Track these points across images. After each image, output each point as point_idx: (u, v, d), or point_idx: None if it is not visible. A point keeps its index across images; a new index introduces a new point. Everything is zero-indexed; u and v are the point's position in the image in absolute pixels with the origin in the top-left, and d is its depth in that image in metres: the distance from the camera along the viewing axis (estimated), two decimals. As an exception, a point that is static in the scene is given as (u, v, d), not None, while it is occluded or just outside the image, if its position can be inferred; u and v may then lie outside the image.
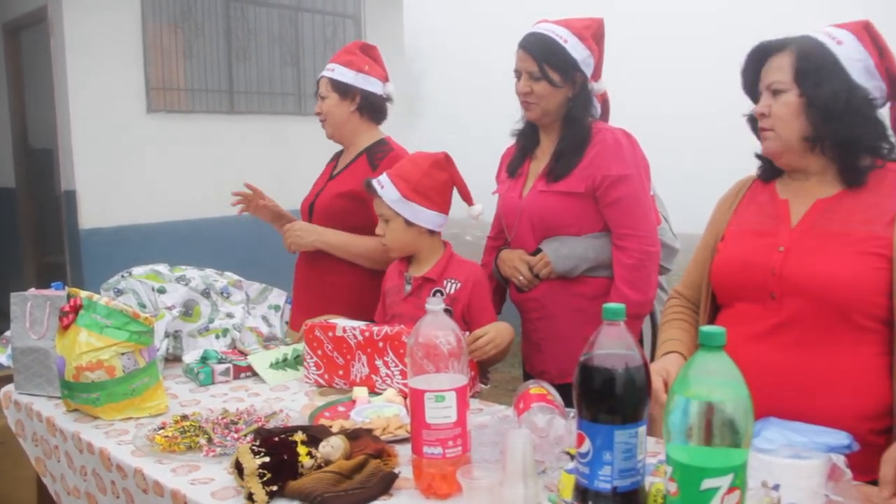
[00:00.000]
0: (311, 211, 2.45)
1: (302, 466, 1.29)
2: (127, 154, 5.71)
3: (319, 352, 1.94)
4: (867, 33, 1.42)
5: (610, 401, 1.03)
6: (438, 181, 1.99)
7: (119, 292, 2.22)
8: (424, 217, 1.97)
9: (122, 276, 2.27)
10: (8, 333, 2.06)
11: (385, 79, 2.44)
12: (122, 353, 1.72)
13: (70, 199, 5.62)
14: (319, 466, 1.31)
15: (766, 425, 1.27)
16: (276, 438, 1.34)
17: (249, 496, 1.24)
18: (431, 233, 2.01)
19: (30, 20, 6.04)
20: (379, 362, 1.84)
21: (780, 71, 1.42)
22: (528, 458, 1.10)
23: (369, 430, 1.45)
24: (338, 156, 2.58)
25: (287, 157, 6.20)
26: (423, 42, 15.17)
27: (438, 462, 1.23)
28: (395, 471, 1.31)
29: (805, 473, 1.13)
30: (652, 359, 2.28)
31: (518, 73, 2.01)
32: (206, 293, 2.30)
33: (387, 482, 1.27)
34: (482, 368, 1.97)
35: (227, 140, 6.30)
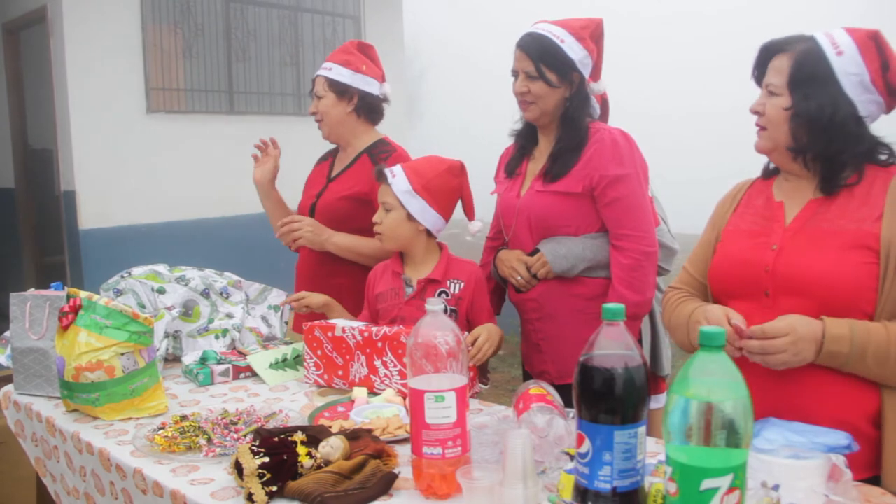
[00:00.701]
0: (312, 212, 2.43)
1: (301, 467, 1.29)
2: (126, 154, 5.72)
3: (319, 352, 1.94)
4: (873, 44, 1.42)
5: (609, 401, 1.03)
6: (449, 186, 2.01)
7: (119, 293, 2.22)
8: (428, 216, 1.98)
9: (122, 277, 2.27)
10: (7, 334, 2.06)
11: (382, 79, 2.43)
12: (122, 354, 1.72)
13: (69, 200, 5.63)
14: (319, 467, 1.31)
15: (765, 425, 1.27)
16: (276, 439, 1.34)
17: (249, 496, 1.24)
18: (428, 234, 2.01)
19: (29, 20, 6.04)
20: (378, 362, 1.84)
21: (778, 73, 1.45)
22: (527, 459, 1.10)
23: (369, 431, 1.45)
24: (332, 155, 2.56)
25: (286, 158, 6.17)
26: (422, 42, 15.18)
27: (438, 462, 1.23)
28: (395, 471, 1.31)
29: (805, 473, 1.13)
30: (651, 359, 2.30)
31: (515, 73, 2.01)
32: (205, 293, 2.30)
33: (386, 482, 1.27)
34: (481, 368, 1.97)
35: (227, 140, 6.29)
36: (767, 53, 1.49)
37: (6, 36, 6.49)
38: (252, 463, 1.26)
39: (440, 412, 1.22)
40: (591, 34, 2.00)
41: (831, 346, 1.32)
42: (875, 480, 1.32)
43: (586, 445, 1.05)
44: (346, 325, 1.92)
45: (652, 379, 2.31)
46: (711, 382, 0.92)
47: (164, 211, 5.89)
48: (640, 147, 2.02)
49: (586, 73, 1.99)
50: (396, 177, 1.97)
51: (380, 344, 1.83)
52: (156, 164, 5.86)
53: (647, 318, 2.19)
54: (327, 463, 1.31)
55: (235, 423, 1.61)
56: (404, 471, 1.32)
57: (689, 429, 0.91)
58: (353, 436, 1.39)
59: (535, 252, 2.00)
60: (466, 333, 1.88)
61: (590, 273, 1.98)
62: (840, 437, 1.22)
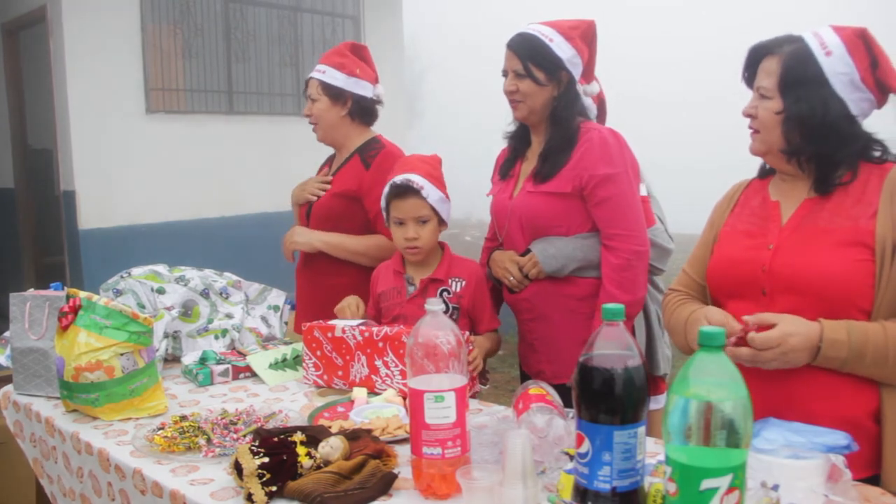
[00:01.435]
0: (308, 215, 2.44)
1: (301, 467, 1.29)
2: (126, 154, 5.71)
3: (318, 352, 1.94)
4: (861, 42, 1.43)
5: (609, 401, 1.03)
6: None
7: (118, 293, 2.22)
8: (448, 217, 2.03)
9: (122, 277, 2.27)
10: (7, 334, 2.06)
11: (375, 80, 2.44)
12: (122, 354, 1.72)
13: (69, 200, 5.62)
14: (319, 467, 1.31)
15: (765, 425, 1.27)
16: (276, 439, 1.34)
17: (249, 496, 1.24)
18: None
19: (29, 20, 6.04)
20: (378, 362, 1.84)
21: (768, 76, 1.46)
22: (527, 459, 1.10)
23: (368, 431, 1.45)
24: (331, 159, 2.58)
25: (286, 158, 6.20)
26: (422, 42, 15.19)
27: (438, 462, 1.23)
28: (395, 471, 1.31)
29: (804, 474, 1.13)
30: (648, 359, 2.30)
31: (505, 73, 2.02)
32: (205, 294, 2.30)
33: (386, 482, 1.27)
34: (482, 368, 1.98)
35: (227, 141, 6.30)
36: (756, 55, 1.49)
37: (6, 36, 6.49)
38: (252, 463, 1.26)
39: (440, 412, 1.22)
40: (582, 34, 2.00)
41: (829, 352, 1.32)
42: (876, 479, 1.32)
43: (586, 445, 1.05)
44: (345, 325, 1.92)
45: (649, 379, 2.31)
46: (711, 382, 0.92)
47: (164, 211, 5.89)
48: (639, 137, 2.02)
49: (576, 72, 2.00)
50: (426, 188, 1.94)
51: (381, 344, 1.83)
52: (155, 164, 5.86)
53: (643, 318, 2.19)
54: (327, 463, 1.31)
55: (235, 424, 1.61)
56: (404, 471, 1.32)
57: (689, 429, 0.91)
58: (353, 436, 1.39)
59: (526, 252, 2.01)
60: (468, 333, 1.88)
61: (581, 273, 1.98)
62: (839, 437, 1.22)
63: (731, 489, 0.91)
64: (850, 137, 1.43)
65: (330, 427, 1.50)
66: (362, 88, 2.39)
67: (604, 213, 1.94)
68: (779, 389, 1.40)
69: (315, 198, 2.41)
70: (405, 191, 1.95)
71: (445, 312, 1.97)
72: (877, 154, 1.45)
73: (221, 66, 6.38)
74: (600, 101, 2.17)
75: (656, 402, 2.23)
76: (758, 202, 1.57)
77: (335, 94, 2.37)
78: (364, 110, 2.43)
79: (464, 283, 1.99)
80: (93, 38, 5.56)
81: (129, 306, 1.81)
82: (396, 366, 1.81)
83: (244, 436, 1.52)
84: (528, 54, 1.96)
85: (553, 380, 1.94)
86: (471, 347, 1.85)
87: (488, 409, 1.70)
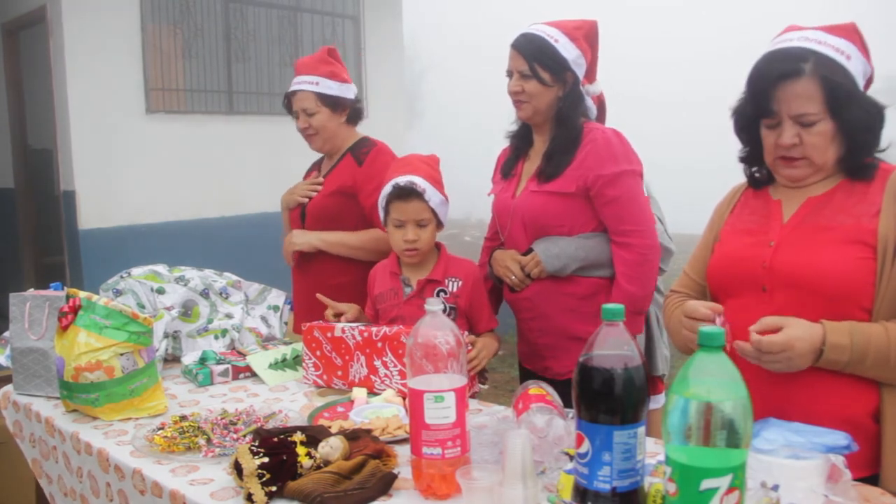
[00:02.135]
0: (303, 216, 2.45)
1: (301, 467, 1.29)
2: (126, 155, 5.71)
3: (318, 353, 1.93)
4: (858, 37, 1.44)
5: (609, 401, 1.03)
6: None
7: (118, 293, 2.22)
8: (446, 219, 2.03)
9: (121, 277, 2.27)
10: (7, 334, 2.06)
11: (351, 80, 2.47)
12: (122, 354, 1.72)
13: (69, 200, 5.62)
14: (318, 467, 1.31)
15: (765, 426, 1.27)
16: (276, 439, 1.34)
17: (248, 497, 1.24)
18: None
19: (29, 21, 6.04)
20: (378, 363, 1.84)
21: (809, 102, 1.39)
22: (527, 459, 1.10)
23: (368, 431, 1.45)
24: (318, 164, 2.59)
25: (286, 158, 6.19)
26: (422, 42, 15.20)
27: (437, 462, 1.23)
28: (395, 471, 1.31)
29: (804, 474, 1.13)
30: (647, 359, 2.30)
31: (510, 73, 2.02)
32: (205, 294, 2.30)
33: (386, 483, 1.27)
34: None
35: (227, 141, 6.29)
36: (768, 83, 1.42)
37: (6, 36, 6.49)
38: (251, 463, 1.26)
39: (439, 412, 1.22)
40: (585, 35, 2.01)
41: (831, 355, 1.32)
42: (875, 479, 1.32)
43: (586, 445, 1.05)
44: (345, 325, 1.92)
45: (648, 379, 2.31)
46: (711, 382, 0.92)
47: (164, 211, 5.88)
48: (637, 135, 2.03)
49: (580, 72, 2.01)
50: (427, 191, 1.94)
51: (380, 344, 1.83)
52: (155, 164, 5.86)
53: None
54: (327, 463, 1.31)
55: (235, 424, 1.61)
56: (404, 471, 1.32)
57: (689, 429, 0.91)
58: (353, 436, 1.39)
59: (528, 252, 2.01)
60: (466, 333, 1.88)
61: (583, 273, 1.98)
62: (839, 438, 1.22)
63: (730, 489, 0.91)
64: (882, 125, 1.43)
65: (330, 427, 1.50)
66: (351, 92, 2.43)
67: (613, 211, 1.95)
68: (779, 389, 1.40)
69: (306, 200, 2.41)
70: (408, 193, 1.93)
71: (443, 313, 1.97)
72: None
73: (221, 67, 6.38)
74: (600, 101, 2.17)
75: (655, 402, 2.23)
76: (759, 202, 1.56)
77: (334, 104, 2.39)
78: (357, 113, 2.48)
79: (460, 283, 1.99)
80: (93, 38, 5.55)
81: (128, 306, 1.81)
82: (395, 366, 1.81)
83: (244, 436, 1.52)
84: (534, 55, 1.96)
85: (559, 376, 1.95)
86: (470, 348, 1.85)
87: (488, 409, 1.70)
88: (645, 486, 1.08)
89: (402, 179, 1.94)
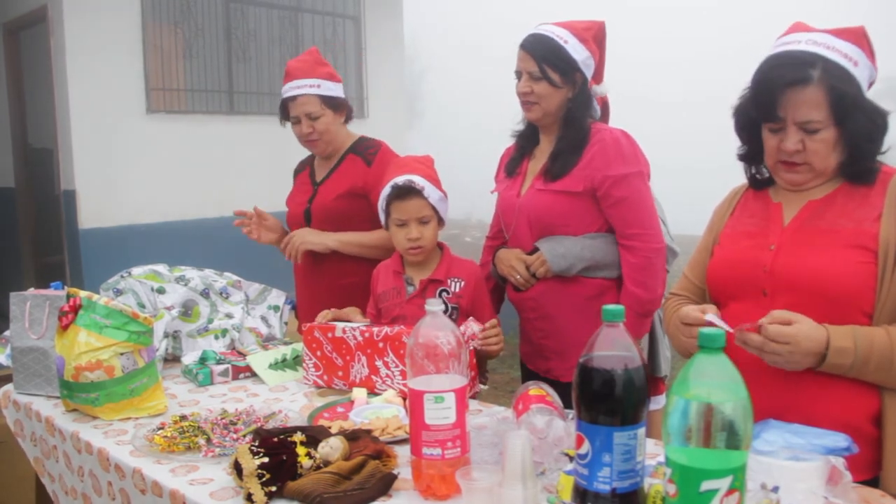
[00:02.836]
0: (307, 218, 2.41)
1: (301, 467, 1.29)
2: (126, 154, 5.72)
3: (319, 353, 1.93)
4: (866, 42, 1.43)
5: (609, 402, 1.03)
6: None
7: (118, 292, 2.22)
8: (446, 216, 2.04)
9: (122, 276, 2.27)
10: (7, 333, 2.06)
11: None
12: (122, 353, 1.72)
13: (69, 199, 5.63)
14: (318, 467, 1.31)
15: (765, 427, 1.27)
16: (276, 439, 1.34)
17: (248, 496, 1.24)
18: None
19: (30, 20, 6.04)
20: (379, 363, 1.84)
21: (815, 109, 1.38)
22: (527, 460, 1.10)
23: (368, 431, 1.45)
24: (307, 164, 2.56)
25: (287, 159, 6.18)
26: (422, 42, 15.20)
27: (437, 463, 1.23)
28: (394, 472, 1.31)
29: (804, 475, 1.13)
30: (648, 360, 2.30)
31: (519, 74, 2.01)
32: (205, 293, 2.30)
33: (386, 483, 1.27)
34: (481, 368, 1.98)
35: (227, 141, 6.30)
36: (774, 89, 1.41)
37: (6, 36, 6.49)
38: (251, 463, 1.26)
39: (439, 413, 1.22)
40: (594, 36, 2.01)
41: (834, 359, 1.31)
42: (876, 482, 1.32)
43: (586, 446, 1.05)
44: (346, 325, 1.92)
45: (650, 380, 2.31)
46: (711, 384, 0.92)
47: (164, 211, 5.89)
48: (638, 135, 2.02)
49: (589, 73, 2.00)
50: (426, 188, 1.96)
51: (381, 344, 1.83)
52: (156, 164, 5.86)
53: None
54: (327, 463, 1.31)
55: (235, 424, 1.61)
56: (404, 471, 1.32)
57: (689, 430, 0.91)
58: (353, 436, 1.39)
59: (534, 251, 2.01)
60: (470, 320, 1.88)
61: (588, 273, 1.98)
62: (839, 439, 1.22)
63: (730, 491, 0.91)
64: (885, 132, 1.42)
65: (330, 427, 1.50)
66: (343, 90, 2.42)
67: (620, 213, 1.95)
68: (779, 392, 1.39)
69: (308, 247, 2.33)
70: (407, 192, 1.95)
71: (444, 313, 1.97)
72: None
73: (222, 66, 6.38)
74: (603, 102, 2.17)
75: (656, 403, 2.23)
76: (759, 204, 1.56)
77: (335, 105, 2.38)
78: (350, 111, 2.46)
79: (463, 283, 2.00)
80: (93, 37, 5.56)
81: (129, 306, 1.81)
82: (397, 366, 1.81)
83: (244, 436, 1.52)
84: (544, 56, 1.95)
85: (562, 378, 1.95)
86: (478, 335, 1.85)
87: (488, 410, 1.69)
88: (645, 487, 1.08)
89: (401, 179, 1.96)
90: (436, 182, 2.00)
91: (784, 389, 1.39)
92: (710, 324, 1.34)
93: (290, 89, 2.35)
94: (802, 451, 1.18)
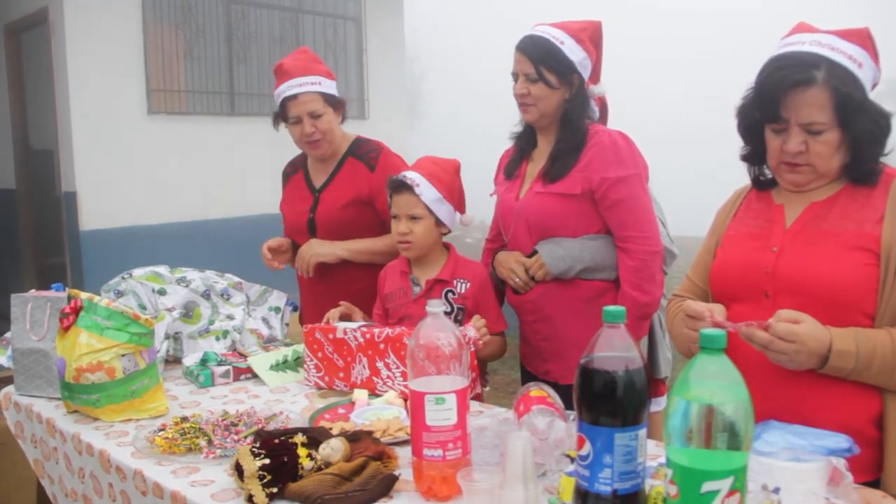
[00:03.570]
0: (312, 227, 2.36)
1: (302, 468, 1.29)
2: (127, 155, 5.72)
3: (320, 354, 1.93)
4: (871, 44, 1.43)
5: (610, 403, 1.03)
6: (459, 187, 2.06)
7: (119, 294, 2.22)
8: (452, 220, 2.03)
9: (123, 278, 2.27)
10: (8, 335, 2.06)
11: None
12: (123, 355, 1.72)
13: (70, 201, 5.63)
14: (319, 468, 1.31)
15: (766, 428, 1.27)
16: (277, 440, 1.34)
17: (249, 498, 1.24)
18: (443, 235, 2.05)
19: (31, 21, 6.05)
20: (380, 364, 1.84)
21: (819, 111, 1.38)
22: (528, 461, 1.10)
23: (369, 433, 1.45)
24: (299, 167, 2.48)
25: (287, 159, 6.20)
26: (423, 43, 15.21)
27: (438, 464, 1.23)
28: (395, 473, 1.31)
29: (805, 476, 1.13)
30: (648, 361, 2.30)
31: (515, 76, 2.01)
32: (206, 295, 2.30)
33: (387, 484, 1.27)
34: (481, 371, 1.98)
35: (228, 142, 6.30)
36: (778, 90, 1.40)
37: (8, 37, 6.50)
38: (252, 464, 1.26)
39: (440, 414, 1.22)
40: (590, 36, 2.00)
41: (837, 362, 1.31)
42: (877, 484, 1.32)
43: (587, 448, 1.05)
44: (347, 327, 1.92)
45: (650, 382, 2.31)
46: (712, 385, 0.92)
47: (165, 212, 5.89)
48: (637, 136, 2.02)
49: (585, 74, 2.00)
50: (421, 186, 1.96)
51: (382, 345, 1.83)
52: (157, 165, 5.86)
53: None
54: (328, 464, 1.31)
55: (236, 425, 1.61)
56: (405, 472, 1.32)
57: (690, 431, 0.91)
58: (354, 437, 1.39)
59: (533, 254, 2.01)
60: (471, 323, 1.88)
61: (587, 275, 1.98)
62: (841, 440, 1.22)
63: (732, 492, 0.91)
64: (889, 135, 1.42)
65: (331, 429, 1.50)
66: (337, 89, 2.36)
67: (617, 215, 1.94)
68: (780, 393, 1.39)
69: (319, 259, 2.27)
70: (399, 186, 1.98)
71: (450, 314, 1.98)
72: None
73: (223, 68, 6.38)
74: (602, 103, 2.17)
75: (657, 405, 2.23)
76: (761, 206, 1.56)
77: (335, 104, 2.32)
78: (345, 111, 2.39)
79: (469, 284, 2.00)
80: (94, 39, 5.56)
81: (130, 307, 1.81)
82: (398, 367, 1.81)
83: (245, 437, 1.52)
84: (540, 57, 1.95)
85: (562, 380, 1.95)
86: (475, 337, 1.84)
87: (489, 411, 1.69)
88: (646, 488, 1.08)
89: (401, 174, 1.99)
90: (439, 182, 1.98)
91: (785, 390, 1.39)
92: (717, 324, 1.34)
93: (290, 87, 2.27)
94: (803, 452, 1.18)
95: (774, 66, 1.42)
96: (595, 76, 2.05)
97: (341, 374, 1.90)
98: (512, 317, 2.15)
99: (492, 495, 1.11)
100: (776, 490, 1.07)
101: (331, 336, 1.91)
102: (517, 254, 2.05)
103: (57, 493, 1.82)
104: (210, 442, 1.52)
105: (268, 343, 2.32)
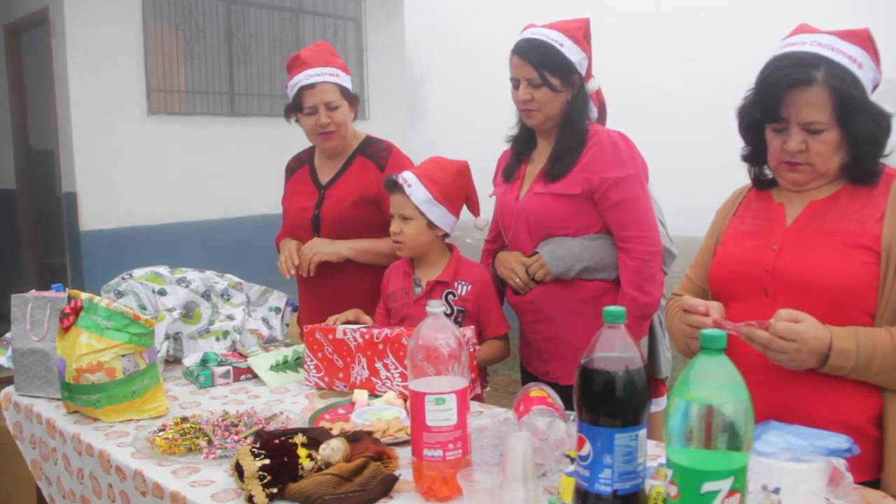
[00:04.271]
0: (316, 224, 2.34)
1: (302, 469, 1.29)
2: (127, 156, 5.72)
3: (320, 354, 1.94)
4: (871, 44, 1.43)
5: (610, 404, 1.03)
6: (461, 188, 2.03)
7: (119, 294, 2.22)
8: (447, 221, 2.01)
9: (123, 278, 2.27)
10: (8, 335, 2.06)
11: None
12: (123, 355, 1.72)
13: (70, 201, 5.63)
14: (319, 469, 1.31)
15: (766, 429, 1.27)
16: (277, 440, 1.34)
17: (249, 498, 1.24)
18: (443, 236, 2.04)
19: (31, 22, 6.05)
20: (379, 365, 1.84)
21: (819, 110, 1.38)
22: (528, 461, 1.10)
23: (369, 433, 1.45)
24: (305, 162, 2.45)
25: (287, 160, 6.21)
26: (423, 44, 15.21)
27: (438, 465, 1.23)
28: (396, 473, 1.31)
29: (805, 477, 1.13)
30: (648, 361, 2.29)
31: (515, 81, 1.98)
32: (206, 295, 2.30)
33: (387, 485, 1.27)
34: (481, 373, 1.98)
35: (228, 142, 6.30)
36: (778, 89, 1.40)
37: (8, 37, 6.50)
38: (252, 465, 1.26)
39: (441, 414, 1.22)
40: (584, 35, 2.00)
41: (837, 361, 1.31)
42: (877, 484, 1.32)
43: (587, 448, 1.05)
44: (346, 327, 1.92)
45: (651, 382, 2.30)
46: (712, 385, 0.92)
47: (166, 212, 5.89)
48: (637, 136, 2.02)
49: (584, 74, 2.00)
50: (413, 186, 1.95)
51: (381, 346, 1.83)
52: (157, 165, 5.87)
53: None
54: (328, 465, 1.31)
55: (236, 425, 1.61)
56: (405, 473, 1.32)
57: (690, 431, 0.91)
58: (354, 438, 1.39)
59: (534, 254, 2.01)
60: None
61: (587, 275, 1.98)
62: (841, 441, 1.22)
63: (732, 492, 0.91)
64: (889, 135, 1.42)
65: (331, 429, 1.50)
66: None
67: (617, 215, 1.94)
68: (780, 393, 1.39)
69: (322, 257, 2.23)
70: (391, 185, 2.00)
71: (450, 315, 1.97)
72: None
73: (223, 68, 6.39)
74: (600, 102, 2.17)
75: (657, 405, 2.23)
76: (761, 205, 1.56)
77: (351, 98, 2.31)
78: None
79: (469, 286, 2.00)
80: (95, 39, 5.56)
81: (130, 308, 1.81)
82: (396, 368, 1.81)
83: (245, 437, 1.52)
84: (542, 61, 1.93)
85: (561, 380, 1.95)
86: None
87: (489, 412, 1.69)
88: (646, 488, 1.08)
89: (396, 174, 2.01)
90: (435, 185, 1.96)
91: (785, 390, 1.39)
92: (718, 325, 1.34)
93: (309, 77, 2.23)
94: (803, 453, 1.18)
95: (774, 66, 1.42)
96: (587, 73, 2.05)
97: (341, 375, 1.91)
98: (512, 317, 2.15)
99: (492, 496, 1.11)
100: (776, 490, 1.07)
101: (331, 336, 1.91)
102: (517, 254, 2.05)
103: (54, 495, 1.82)
104: (210, 442, 1.52)
105: (268, 343, 2.32)
